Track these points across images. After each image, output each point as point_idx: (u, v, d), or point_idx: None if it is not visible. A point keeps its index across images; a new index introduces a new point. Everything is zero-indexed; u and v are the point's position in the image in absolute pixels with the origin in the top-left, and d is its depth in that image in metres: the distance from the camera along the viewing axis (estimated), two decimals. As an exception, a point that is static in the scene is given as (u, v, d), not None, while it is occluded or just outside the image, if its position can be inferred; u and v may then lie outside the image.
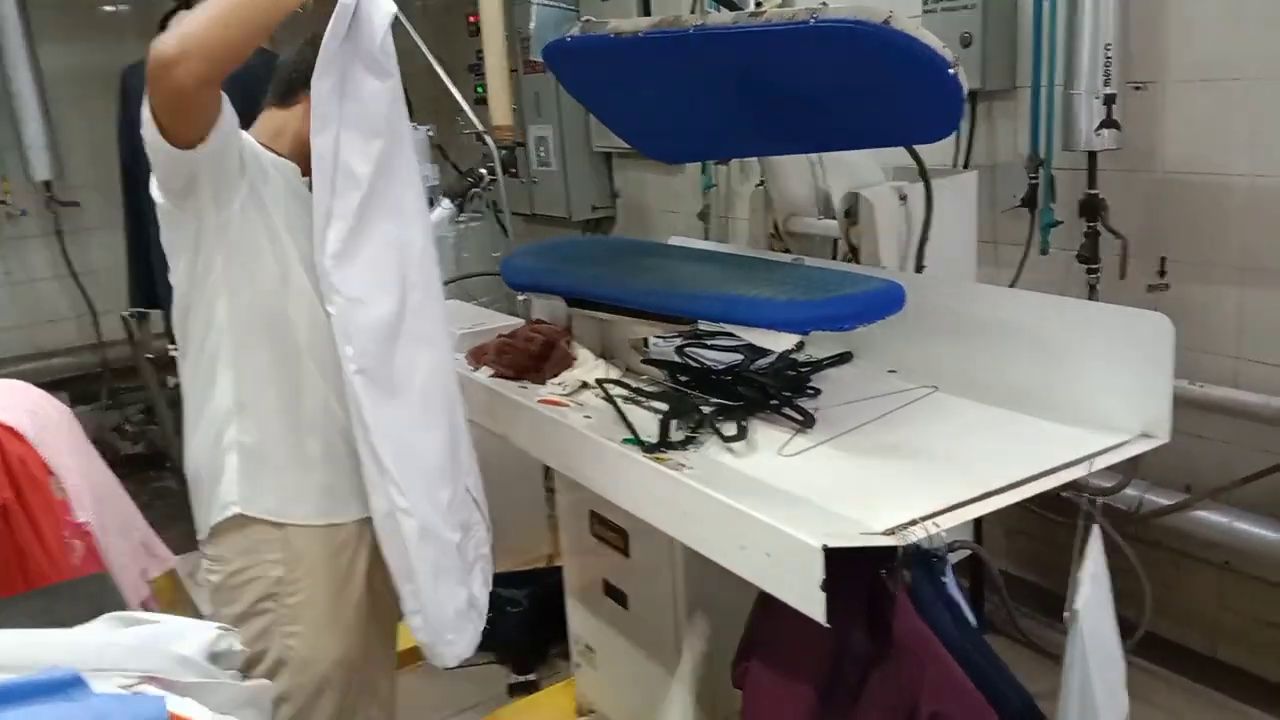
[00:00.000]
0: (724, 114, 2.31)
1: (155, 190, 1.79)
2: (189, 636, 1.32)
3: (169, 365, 3.39)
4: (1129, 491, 2.97)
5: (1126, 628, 2.71)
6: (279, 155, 1.87)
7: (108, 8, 5.35)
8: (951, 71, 1.73)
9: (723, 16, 2.03)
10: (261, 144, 1.86)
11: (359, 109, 1.77)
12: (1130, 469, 2.85)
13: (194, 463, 1.95)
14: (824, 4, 1.85)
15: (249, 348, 1.85)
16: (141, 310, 3.45)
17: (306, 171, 1.80)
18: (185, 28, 1.58)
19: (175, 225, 1.82)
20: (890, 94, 1.89)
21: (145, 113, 1.64)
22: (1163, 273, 2.96)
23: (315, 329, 1.85)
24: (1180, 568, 3.14)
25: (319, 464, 1.91)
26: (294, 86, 1.88)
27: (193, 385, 1.91)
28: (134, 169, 3.38)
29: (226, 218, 1.77)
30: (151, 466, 5.23)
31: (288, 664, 1.92)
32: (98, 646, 1.17)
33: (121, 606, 1.71)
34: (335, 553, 1.95)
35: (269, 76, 1.96)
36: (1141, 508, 2.99)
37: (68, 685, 1.00)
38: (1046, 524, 3.24)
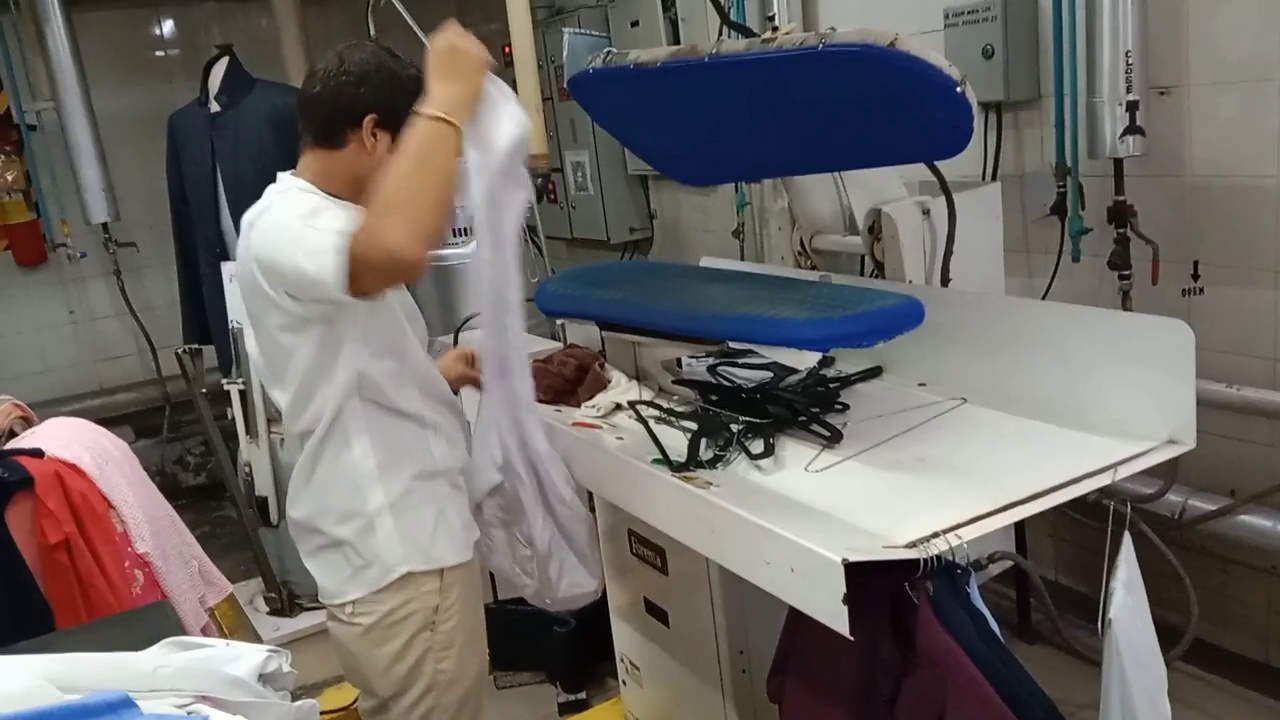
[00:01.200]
0: (744, 137, 2.36)
1: (282, 302, 1.81)
2: (241, 659, 1.39)
3: (222, 398, 3.52)
4: (1171, 497, 2.95)
5: (1175, 635, 2.71)
6: (338, 198, 1.87)
7: (158, 53, 5.55)
8: (959, 90, 1.77)
9: (737, 44, 2.09)
10: (316, 186, 1.88)
11: (507, 218, 1.85)
12: (1170, 475, 2.83)
13: (321, 526, 2.00)
14: (833, 29, 1.89)
15: (378, 408, 1.92)
16: (195, 346, 3.58)
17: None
18: (417, 224, 1.64)
19: (298, 322, 1.85)
20: (902, 113, 1.94)
21: (334, 273, 1.66)
22: (1196, 276, 2.94)
23: (428, 376, 2.01)
24: (1228, 573, 3.11)
25: (452, 503, 2.03)
26: (341, 127, 1.87)
27: (316, 453, 1.95)
28: (183, 210, 3.52)
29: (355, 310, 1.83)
30: (212, 497, 5.38)
31: (435, 687, 2.02)
32: (151, 669, 1.24)
33: (182, 633, 1.79)
34: (473, 575, 2.10)
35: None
36: (1184, 514, 2.97)
37: (116, 706, 1.06)
38: (1092, 533, 3.21)
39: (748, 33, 2.51)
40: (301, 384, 1.91)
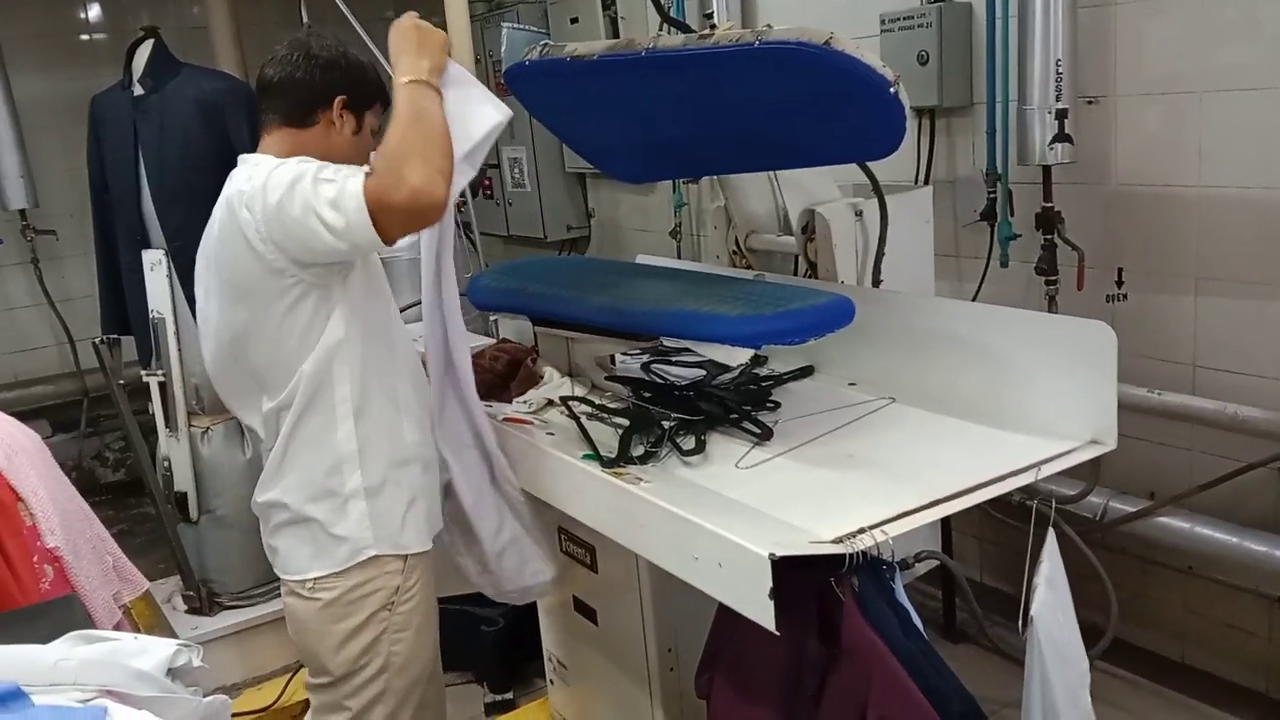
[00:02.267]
0: (681, 134, 2.36)
1: (285, 271, 1.85)
2: (149, 652, 1.34)
3: (143, 392, 3.42)
4: (1093, 499, 3.01)
5: (1095, 634, 2.76)
6: None
7: (83, 36, 5.39)
8: (893, 90, 1.78)
9: (674, 39, 2.08)
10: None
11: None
12: (1092, 477, 2.89)
13: (290, 503, 2.02)
14: (769, 26, 1.89)
15: (365, 390, 1.98)
16: (114, 336, 3.47)
17: None
18: (434, 164, 1.74)
19: (296, 294, 1.89)
20: (837, 113, 1.94)
21: (360, 216, 1.73)
22: (1120, 283, 3.01)
23: (411, 367, 2.08)
24: (1147, 574, 3.19)
25: (423, 491, 2.09)
26: (312, 108, 1.97)
27: (294, 431, 1.98)
28: (104, 195, 3.41)
29: (352, 278, 1.94)
30: (131, 493, 5.23)
31: (389, 668, 2.08)
32: (52, 662, 1.19)
33: (90, 627, 1.72)
34: (431, 564, 2.15)
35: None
36: (1106, 515, 3.03)
37: (5, 698, 1.02)
38: (1016, 534, 3.27)
39: (686, 29, 2.51)
40: (287, 358, 1.94)
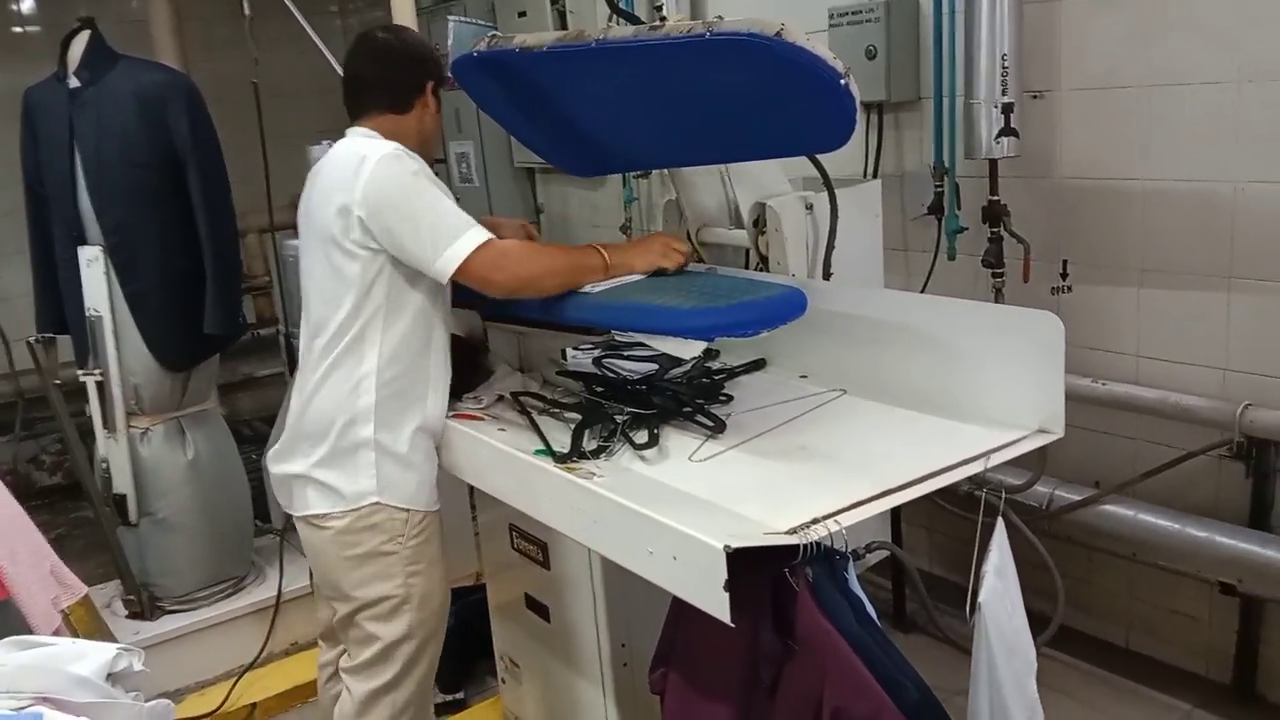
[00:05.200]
0: (631, 127, 2.35)
1: (345, 243, 2.13)
2: (88, 657, 1.30)
3: (79, 393, 3.33)
4: (1040, 488, 3.05)
5: (1042, 621, 2.79)
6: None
7: (15, 29, 5.25)
8: (843, 82, 1.78)
9: (624, 30, 2.07)
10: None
11: None
12: (1039, 466, 2.93)
13: (310, 443, 2.22)
14: (720, 17, 1.88)
15: (400, 357, 2.20)
16: (49, 335, 3.37)
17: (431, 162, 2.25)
18: (543, 284, 2.17)
19: (345, 269, 2.16)
20: (787, 104, 1.94)
21: (450, 263, 2.07)
22: (1065, 275, 3.06)
23: (443, 345, 2.28)
24: (1092, 561, 3.24)
25: (430, 460, 2.27)
26: (411, 96, 2.28)
27: (326, 375, 2.20)
28: (38, 191, 3.32)
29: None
30: (70, 497, 5.11)
31: (410, 601, 2.25)
32: (-14, 669, 1.15)
33: (27, 634, 1.68)
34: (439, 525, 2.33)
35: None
36: (1052, 504, 3.08)
37: (-62, 705, 0.98)
38: (965, 524, 3.30)
39: (635, 20, 2.49)
40: (333, 299, 2.17)
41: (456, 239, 2.06)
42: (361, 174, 2.10)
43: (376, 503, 2.19)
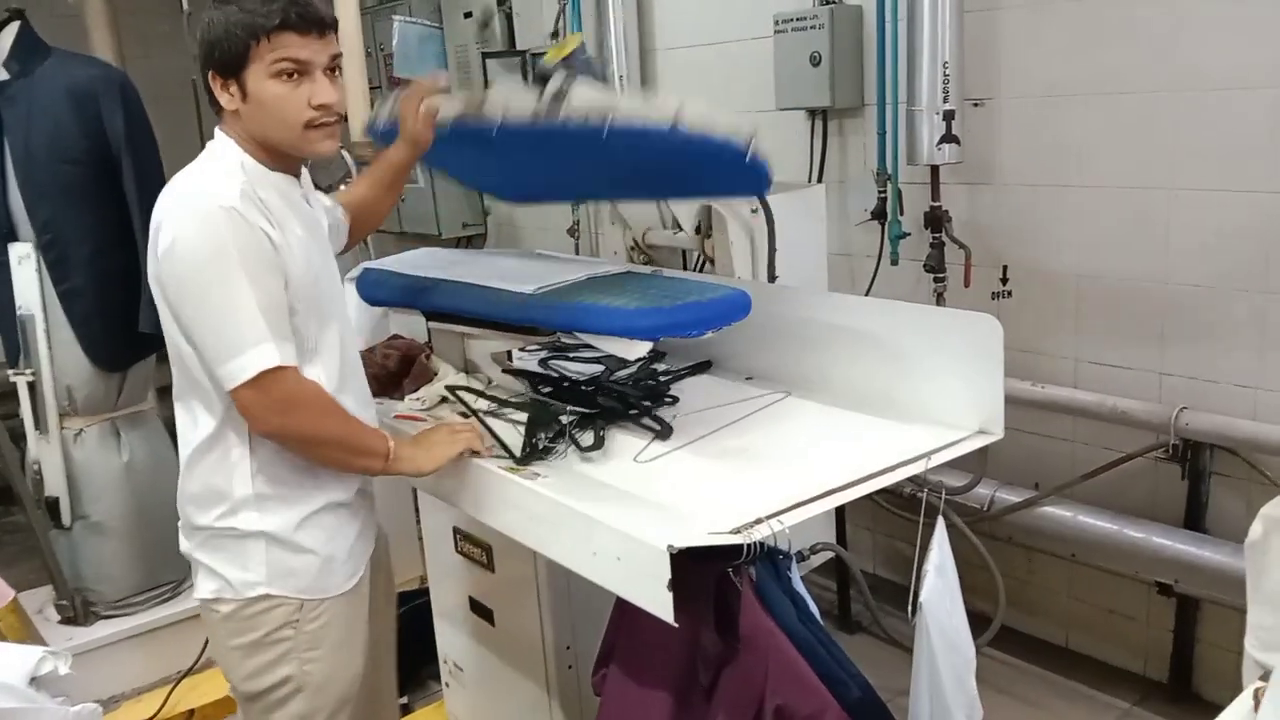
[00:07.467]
0: (552, 172, 2.34)
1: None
2: (11, 662, 1.27)
3: (9, 394, 3.25)
4: (981, 490, 3.10)
5: (983, 622, 2.83)
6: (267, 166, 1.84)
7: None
8: (748, 155, 1.80)
9: (524, 107, 2.02)
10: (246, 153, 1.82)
11: None
12: (980, 468, 2.97)
13: (195, 522, 1.92)
14: (619, 99, 1.91)
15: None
16: (-23, 333, 3.29)
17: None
18: (298, 426, 1.78)
19: (184, 345, 1.84)
20: (704, 167, 1.96)
21: (231, 380, 1.72)
22: (1005, 280, 3.10)
23: (355, 393, 1.98)
24: (1033, 562, 3.29)
25: (342, 532, 1.96)
26: (213, 97, 1.81)
27: (199, 450, 1.88)
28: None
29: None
30: (0, 500, 4.97)
31: (305, 688, 1.94)
32: (-100, 676, 1.11)
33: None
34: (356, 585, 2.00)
35: None
36: (993, 505, 3.12)
37: None
38: (908, 526, 3.35)
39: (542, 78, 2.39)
40: (186, 362, 1.85)
41: (241, 353, 1.70)
42: (158, 245, 1.76)
43: (265, 594, 1.88)
